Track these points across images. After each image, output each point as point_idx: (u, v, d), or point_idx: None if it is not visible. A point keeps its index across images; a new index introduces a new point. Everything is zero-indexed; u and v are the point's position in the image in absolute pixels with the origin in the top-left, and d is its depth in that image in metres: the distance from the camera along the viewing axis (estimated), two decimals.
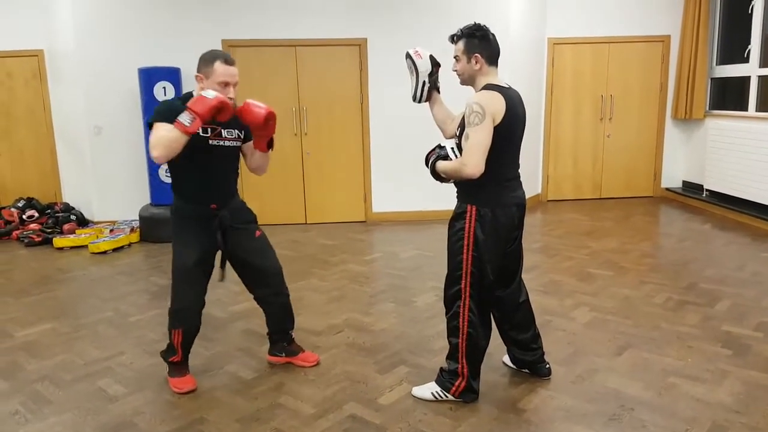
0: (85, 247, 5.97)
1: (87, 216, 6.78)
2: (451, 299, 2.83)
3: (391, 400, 2.92)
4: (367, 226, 6.78)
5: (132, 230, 6.25)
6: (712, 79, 7.46)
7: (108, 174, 6.65)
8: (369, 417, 2.78)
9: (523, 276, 3.05)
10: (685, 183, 7.88)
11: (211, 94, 2.64)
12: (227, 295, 4.45)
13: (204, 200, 2.92)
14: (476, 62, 2.70)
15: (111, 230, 6.24)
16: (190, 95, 2.85)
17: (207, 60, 2.77)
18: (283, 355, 3.34)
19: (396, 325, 3.88)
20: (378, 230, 6.61)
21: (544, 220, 6.87)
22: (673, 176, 7.95)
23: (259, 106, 2.78)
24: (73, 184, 7.01)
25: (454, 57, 2.77)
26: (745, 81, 6.93)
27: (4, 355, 3.55)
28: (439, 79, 3.04)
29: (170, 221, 2.99)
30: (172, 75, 6.13)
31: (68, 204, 6.92)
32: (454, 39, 2.78)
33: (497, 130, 2.59)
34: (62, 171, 7.10)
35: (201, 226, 2.91)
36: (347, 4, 6.54)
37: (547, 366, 3.12)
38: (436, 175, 2.81)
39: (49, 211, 6.76)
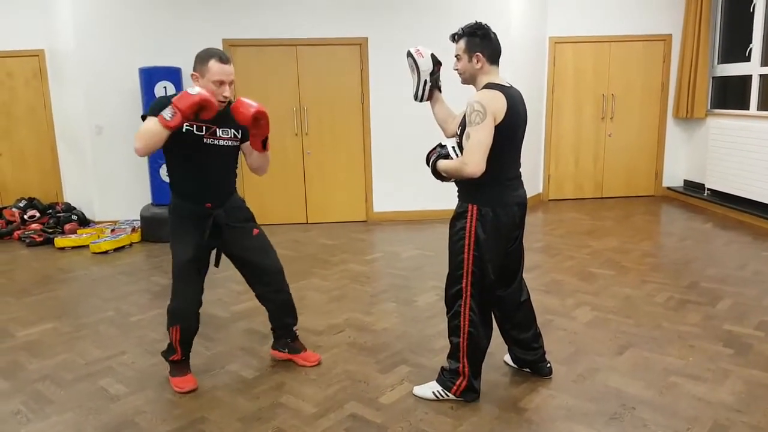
0: (86, 246, 5.97)
1: (88, 216, 6.78)
2: (452, 298, 2.83)
3: (392, 400, 2.92)
4: (368, 226, 6.78)
5: (133, 230, 6.25)
6: (713, 78, 7.46)
7: (109, 174, 6.65)
8: (370, 416, 2.78)
9: (524, 275, 3.05)
10: (686, 182, 7.88)
11: (195, 90, 2.62)
12: (229, 295, 4.45)
13: (199, 199, 2.92)
14: (477, 61, 2.70)
15: (112, 230, 6.25)
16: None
17: (202, 58, 2.77)
18: (286, 351, 3.35)
19: (397, 324, 3.88)
20: (379, 230, 6.61)
21: (545, 220, 6.87)
22: (674, 175, 7.95)
23: (248, 105, 2.74)
24: (75, 183, 7.02)
25: (455, 56, 2.77)
26: (746, 80, 6.92)
27: (5, 355, 3.55)
28: (440, 78, 3.04)
29: (168, 219, 3.01)
30: (173, 74, 6.13)
31: (69, 204, 6.92)
32: (455, 38, 2.77)
33: (498, 129, 2.59)
34: (63, 171, 7.10)
35: (196, 224, 2.92)
36: (348, 3, 6.54)
37: (548, 365, 3.12)
38: (437, 175, 2.81)
39: (50, 211, 6.77)
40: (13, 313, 4.27)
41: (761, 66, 6.66)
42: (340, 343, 3.59)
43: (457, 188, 2.84)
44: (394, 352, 3.45)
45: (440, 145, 2.81)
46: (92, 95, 6.46)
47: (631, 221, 6.61)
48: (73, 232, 6.29)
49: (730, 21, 7.30)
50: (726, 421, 2.67)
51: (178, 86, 6.12)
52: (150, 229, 6.25)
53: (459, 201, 2.82)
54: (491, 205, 2.70)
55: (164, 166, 6.12)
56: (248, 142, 2.99)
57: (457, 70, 2.79)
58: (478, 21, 2.74)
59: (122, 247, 5.97)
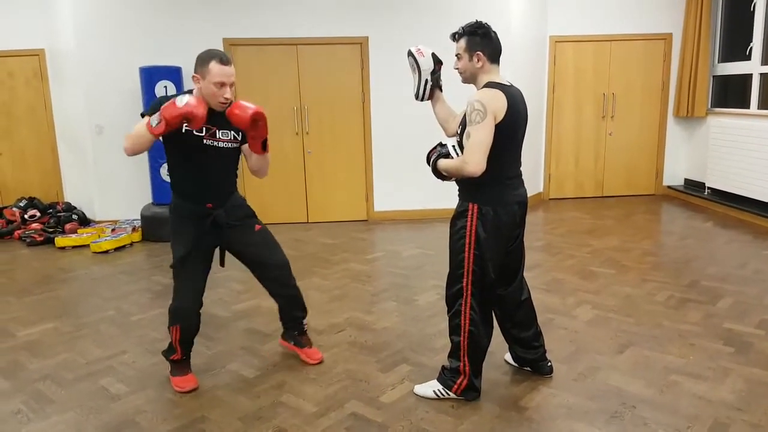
0: (86, 246, 5.98)
1: (89, 215, 6.78)
2: (452, 297, 2.83)
3: (393, 399, 2.93)
4: (368, 225, 6.78)
5: (134, 229, 6.25)
6: (713, 76, 7.45)
7: (109, 173, 6.65)
8: (371, 415, 2.78)
9: (524, 274, 3.05)
10: (686, 181, 7.87)
11: (183, 101, 2.59)
12: (229, 294, 4.46)
13: (200, 199, 2.92)
14: (478, 60, 2.70)
15: (113, 229, 6.25)
16: (190, 93, 2.85)
17: (203, 60, 2.76)
18: (292, 343, 3.39)
19: (398, 323, 3.88)
20: (379, 229, 6.61)
21: (545, 219, 6.87)
22: (674, 174, 7.94)
23: (245, 107, 2.73)
24: (75, 183, 7.02)
25: (456, 55, 2.77)
26: (746, 79, 6.91)
27: (6, 355, 3.56)
28: (441, 77, 3.04)
29: (169, 218, 3.01)
30: (173, 74, 6.13)
31: (70, 203, 6.93)
32: (455, 37, 2.77)
33: (499, 128, 2.59)
34: (64, 170, 7.10)
35: (196, 224, 2.92)
36: (348, 3, 6.54)
37: (549, 364, 3.12)
38: (438, 174, 2.80)
39: (50, 210, 6.77)
40: (14, 312, 4.27)
41: (761, 65, 6.65)
42: (340, 342, 3.59)
43: (457, 187, 2.84)
44: (394, 351, 3.46)
45: (441, 144, 2.81)
46: (92, 95, 6.46)
47: (631, 220, 6.60)
48: (74, 231, 6.29)
49: (730, 20, 7.30)
50: (726, 419, 2.67)
51: (179, 85, 6.12)
52: (150, 228, 6.25)
53: (459, 200, 2.82)
54: (492, 204, 2.70)
55: (165, 166, 6.15)
56: (247, 145, 2.98)
57: (457, 69, 2.79)
58: (478, 20, 2.74)
59: (123, 247, 5.98)
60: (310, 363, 3.31)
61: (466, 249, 2.73)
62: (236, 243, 3.06)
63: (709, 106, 7.48)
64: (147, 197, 6.53)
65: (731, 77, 7.32)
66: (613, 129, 7.75)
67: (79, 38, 6.37)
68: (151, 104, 2.79)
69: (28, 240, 6.19)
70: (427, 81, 2.99)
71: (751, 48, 6.77)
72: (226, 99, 2.78)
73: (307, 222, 6.93)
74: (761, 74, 6.67)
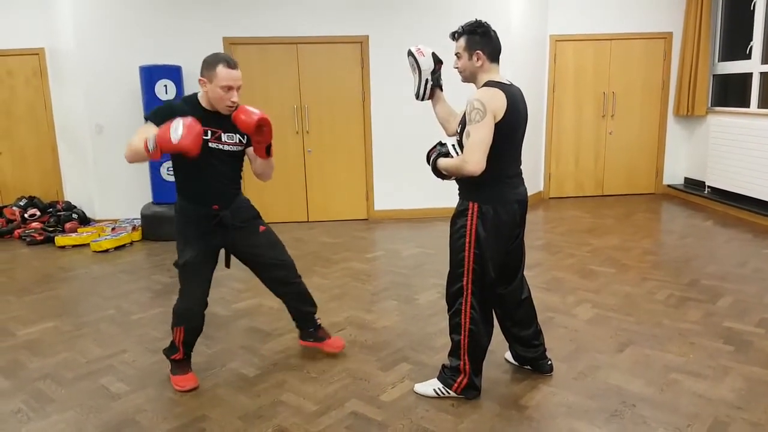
0: (87, 245, 5.98)
1: (89, 214, 6.78)
2: (453, 296, 2.83)
3: (393, 397, 2.93)
4: (369, 224, 6.78)
5: (134, 228, 6.25)
6: (714, 75, 7.45)
7: (109, 172, 6.65)
8: (371, 414, 2.79)
9: (525, 273, 3.05)
10: (686, 180, 7.88)
11: (177, 133, 2.53)
12: (230, 293, 4.46)
13: (205, 201, 2.92)
14: (478, 59, 2.69)
15: (113, 228, 6.25)
16: (194, 97, 2.87)
17: (210, 63, 2.76)
18: (311, 340, 3.41)
19: (398, 322, 3.88)
20: (380, 228, 6.61)
21: (546, 218, 6.87)
22: (674, 173, 7.94)
23: (251, 112, 2.74)
24: (75, 182, 7.02)
25: (456, 54, 2.76)
26: (746, 78, 6.91)
27: (6, 354, 3.56)
28: (441, 77, 3.03)
29: (174, 220, 3.00)
30: (174, 73, 6.13)
31: (70, 202, 6.93)
32: (455, 36, 2.77)
33: (498, 127, 2.59)
34: (64, 169, 7.11)
35: (202, 225, 2.92)
36: (348, 2, 6.53)
37: (549, 363, 3.12)
38: (438, 173, 2.80)
39: (50, 209, 6.77)
40: (14, 311, 4.27)
41: (762, 64, 6.65)
42: None
43: (457, 186, 2.84)
44: (395, 350, 3.46)
45: (440, 144, 2.81)
46: (92, 94, 6.46)
47: (631, 219, 6.61)
48: (74, 230, 6.29)
49: (730, 19, 7.29)
50: (726, 417, 2.67)
51: (179, 85, 6.12)
52: (150, 227, 6.25)
53: (460, 199, 2.82)
54: (492, 203, 2.70)
55: (165, 165, 6.17)
56: (252, 148, 2.99)
57: (457, 68, 2.78)
58: (477, 19, 2.74)
59: (123, 246, 5.98)
60: (336, 351, 3.37)
61: (467, 248, 2.73)
62: (241, 244, 3.06)
63: (709, 105, 7.48)
64: (147, 196, 6.53)
65: (731, 76, 7.32)
66: (614, 128, 7.75)
67: (79, 37, 6.36)
68: (154, 111, 2.79)
69: (28, 239, 6.19)
70: (427, 81, 2.99)
71: (751, 47, 6.77)
72: (233, 102, 2.78)
73: (308, 221, 6.93)
74: (761, 73, 6.67)
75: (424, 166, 2.88)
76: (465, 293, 2.77)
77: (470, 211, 2.72)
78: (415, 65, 2.97)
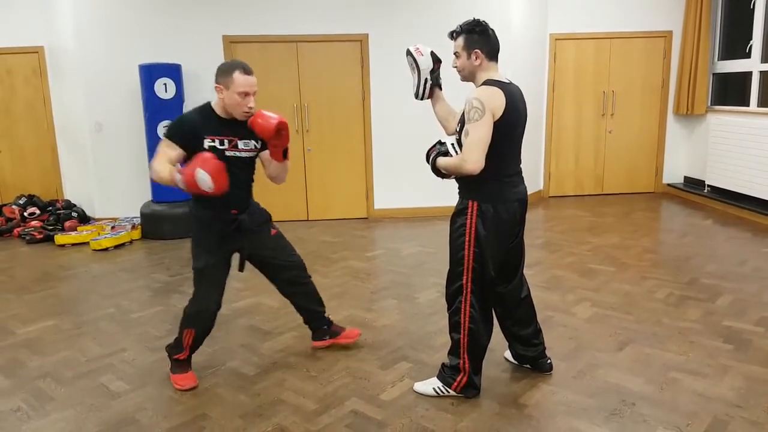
0: (86, 244, 5.97)
1: (88, 213, 6.78)
2: (452, 295, 2.83)
3: (393, 396, 2.93)
4: (368, 223, 6.78)
5: (133, 227, 6.25)
6: (713, 74, 7.45)
7: (109, 171, 6.65)
8: (371, 413, 2.79)
9: (524, 272, 3.05)
10: (686, 179, 7.87)
11: (209, 184, 2.60)
12: (230, 292, 4.43)
13: (225, 206, 2.95)
14: (476, 58, 2.69)
15: (112, 227, 6.24)
16: (207, 106, 2.89)
17: (225, 71, 2.79)
18: (327, 338, 3.44)
19: (398, 321, 3.88)
20: (380, 227, 6.61)
21: (545, 216, 6.87)
22: (674, 172, 7.94)
23: (269, 117, 2.78)
24: (74, 181, 7.02)
25: (454, 53, 2.76)
26: (746, 76, 6.91)
27: (5, 352, 3.56)
28: (441, 76, 3.03)
29: (191, 225, 3.02)
30: (173, 71, 6.12)
31: (69, 201, 6.93)
32: (453, 35, 2.77)
33: (497, 125, 2.59)
34: (63, 168, 7.11)
35: (220, 230, 2.96)
36: (348, 0, 6.53)
37: (549, 361, 3.13)
38: (437, 172, 2.81)
39: (50, 208, 6.77)
40: (14, 310, 4.27)
41: (761, 63, 6.65)
42: None
43: (457, 185, 2.84)
44: (394, 349, 3.46)
45: (440, 143, 2.81)
46: (92, 92, 6.46)
47: (631, 218, 6.61)
48: (73, 229, 6.29)
49: (730, 18, 7.29)
50: (725, 416, 2.67)
51: (178, 83, 6.11)
52: (150, 226, 6.25)
53: (459, 198, 2.82)
54: (491, 202, 2.70)
55: None
56: (266, 152, 3.02)
57: (456, 67, 2.79)
58: (476, 18, 2.74)
59: (122, 244, 5.97)
60: (352, 342, 3.46)
61: (466, 246, 2.73)
62: (255, 247, 3.11)
63: (709, 103, 7.48)
64: (146, 195, 6.52)
65: (731, 75, 7.31)
66: (613, 127, 7.75)
67: (78, 36, 6.36)
68: (172, 127, 2.83)
69: (27, 237, 6.19)
70: (426, 80, 2.98)
71: (750, 46, 6.76)
72: (250, 108, 2.83)
73: (307, 220, 6.93)
74: (761, 72, 6.67)
75: (424, 164, 2.88)
76: (465, 292, 2.78)
77: (470, 210, 2.72)
78: (414, 65, 2.97)
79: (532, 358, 3.11)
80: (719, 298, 4.10)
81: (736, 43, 7.16)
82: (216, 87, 2.82)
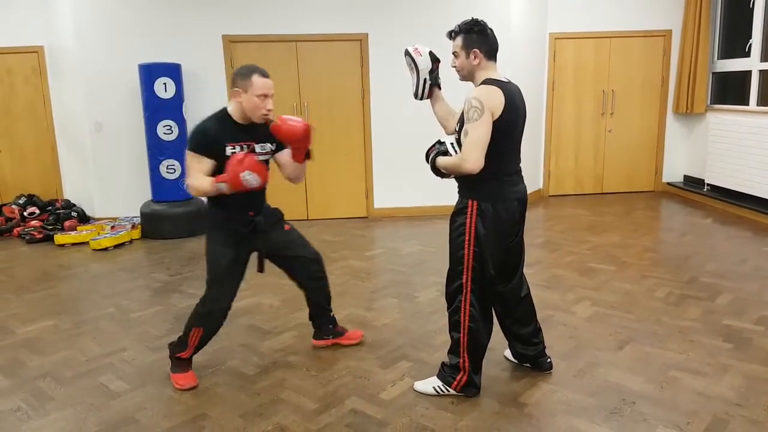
0: (86, 243, 5.97)
1: (88, 213, 6.78)
2: (452, 294, 2.83)
3: (393, 395, 2.93)
4: (368, 222, 6.78)
5: (133, 227, 6.25)
6: (713, 73, 7.45)
7: (109, 170, 6.65)
8: (371, 412, 2.79)
9: (524, 271, 3.05)
10: (686, 177, 7.87)
11: (254, 181, 2.74)
12: None
13: (242, 208, 2.99)
14: (475, 57, 2.69)
15: (112, 227, 6.24)
16: (224, 113, 2.92)
17: (244, 75, 2.84)
18: (330, 337, 3.47)
19: (398, 320, 3.88)
20: (379, 226, 6.61)
21: (545, 215, 6.87)
22: (674, 171, 7.94)
23: (295, 122, 2.84)
24: (74, 180, 7.02)
25: (453, 53, 2.76)
26: (746, 75, 6.91)
27: (5, 352, 3.56)
28: (440, 75, 3.03)
29: (207, 225, 3.05)
30: (173, 71, 6.12)
31: (69, 201, 6.93)
32: (452, 35, 2.77)
33: (497, 124, 2.58)
34: (63, 167, 7.10)
35: (237, 232, 2.98)
36: None
37: (549, 360, 3.13)
38: (437, 171, 2.81)
39: (50, 207, 6.77)
40: (13, 310, 4.27)
41: (761, 61, 6.65)
42: None
43: (457, 184, 2.84)
44: (394, 348, 3.46)
45: (439, 142, 2.81)
46: (92, 91, 6.46)
47: (631, 217, 6.61)
48: (73, 228, 6.29)
49: (729, 16, 7.29)
50: (725, 415, 2.67)
51: (178, 83, 6.11)
52: (150, 225, 6.24)
53: (459, 197, 2.82)
54: (491, 201, 2.70)
55: (164, 163, 6.16)
56: (282, 154, 3.08)
57: (454, 67, 2.79)
58: (474, 17, 2.74)
59: (122, 244, 5.97)
60: (355, 343, 3.48)
61: (466, 246, 2.73)
62: (274, 246, 3.14)
63: (709, 102, 7.48)
64: (146, 194, 6.52)
65: (730, 74, 7.31)
66: (613, 126, 7.75)
67: (78, 35, 6.36)
68: (194, 139, 2.86)
69: (27, 237, 6.19)
70: (426, 80, 2.98)
71: (750, 44, 6.76)
72: (269, 110, 2.88)
73: (307, 219, 6.93)
74: (760, 71, 6.67)
75: (424, 164, 2.88)
76: (464, 291, 2.78)
77: (469, 209, 2.72)
78: (413, 65, 2.97)
79: (532, 357, 3.11)
80: (719, 297, 4.10)
81: (735, 42, 7.15)
82: (234, 91, 2.86)
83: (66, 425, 2.75)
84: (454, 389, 2.87)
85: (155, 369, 3.27)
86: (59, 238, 6.02)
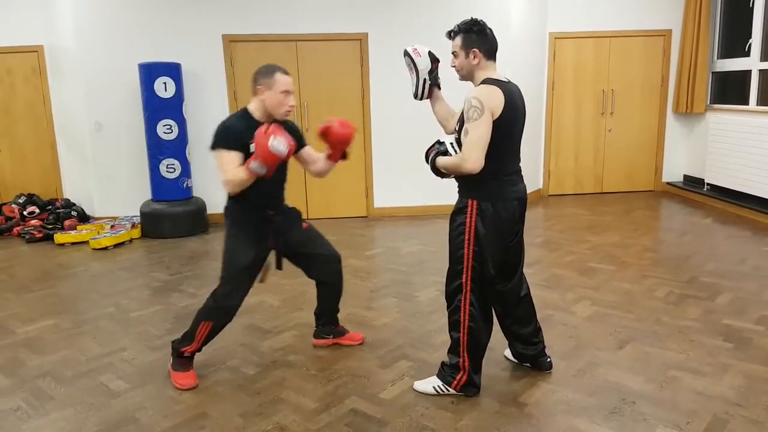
0: (86, 243, 5.97)
1: (88, 212, 6.78)
2: (452, 293, 2.83)
3: (393, 395, 2.93)
4: (368, 222, 6.78)
5: (133, 226, 6.25)
6: (713, 73, 7.45)
7: (109, 170, 6.65)
8: (371, 411, 2.79)
9: (524, 270, 3.05)
10: (686, 177, 7.87)
11: (283, 147, 2.71)
12: None
13: (263, 207, 3.02)
14: (474, 57, 2.69)
15: (112, 226, 6.25)
16: (246, 112, 2.97)
17: (266, 73, 2.90)
18: (331, 336, 3.49)
19: (398, 319, 3.88)
20: (379, 225, 6.61)
21: (545, 215, 6.87)
22: (674, 170, 7.94)
23: (343, 127, 2.99)
24: (74, 180, 7.02)
25: (452, 53, 2.76)
26: (746, 75, 6.91)
27: (5, 351, 3.56)
28: (439, 75, 3.03)
29: (226, 223, 3.06)
30: (173, 70, 6.11)
31: (69, 200, 6.92)
32: (451, 35, 2.77)
33: (496, 124, 2.58)
34: (63, 167, 7.10)
35: (257, 230, 3.01)
36: None
37: (549, 360, 3.13)
38: (437, 171, 2.81)
39: (50, 207, 6.77)
40: (13, 309, 4.27)
41: (761, 61, 6.65)
42: None
43: (457, 184, 2.84)
44: (394, 347, 3.46)
45: (439, 142, 2.81)
46: (92, 91, 6.45)
47: (631, 216, 6.61)
48: (73, 228, 6.29)
49: (729, 16, 7.29)
50: (725, 415, 2.67)
51: (178, 82, 6.11)
52: (150, 225, 6.25)
53: (459, 196, 2.82)
54: (491, 200, 2.70)
55: (164, 163, 6.16)
56: (306, 151, 3.22)
57: (454, 66, 2.79)
58: (473, 17, 2.74)
59: (122, 243, 5.97)
60: (356, 344, 3.49)
61: (466, 245, 2.73)
62: (294, 245, 3.17)
63: (709, 102, 7.48)
64: (146, 194, 6.52)
65: (730, 73, 7.31)
66: (613, 125, 7.75)
67: (78, 35, 6.35)
68: (219, 137, 2.89)
69: (27, 236, 6.19)
70: (425, 80, 2.98)
71: (750, 44, 6.76)
72: (291, 106, 2.94)
73: (307, 218, 6.89)
74: (760, 70, 6.67)
75: (424, 163, 2.88)
76: (464, 290, 2.78)
77: (469, 209, 2.72)
78: (412, 65, 2.97)
79: (532, 357, 3.11)
80: (719, 297, 4.10)
81: (735, 41, 7.15)
82: (257, 89, 2.91)
83: (66, 425, 2.75)
84: (454, 389, 2.87)
85: (155, 368, 3.27)
86: (59, 237, 6.02)
